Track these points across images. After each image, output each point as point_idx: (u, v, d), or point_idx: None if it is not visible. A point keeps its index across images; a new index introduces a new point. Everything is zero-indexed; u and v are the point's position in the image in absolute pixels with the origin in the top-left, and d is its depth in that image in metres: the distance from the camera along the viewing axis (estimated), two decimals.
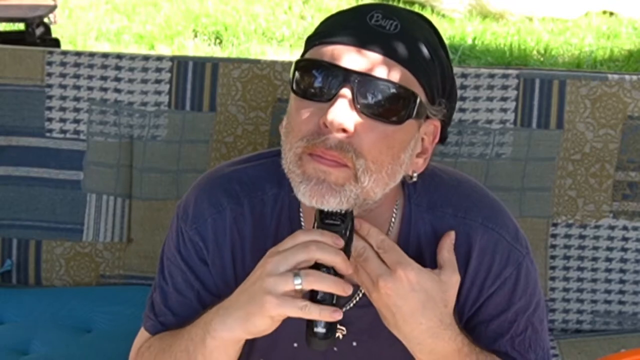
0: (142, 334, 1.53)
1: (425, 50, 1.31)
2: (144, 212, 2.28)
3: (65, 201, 2.28)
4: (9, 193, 2.29)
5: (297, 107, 1.31)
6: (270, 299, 1.26)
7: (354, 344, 1.45)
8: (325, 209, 1.30)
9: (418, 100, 1.30)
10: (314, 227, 1.32)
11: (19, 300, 2.24)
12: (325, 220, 1.30)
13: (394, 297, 1.32)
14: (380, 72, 1.28)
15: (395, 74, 1.29)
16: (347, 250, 1.30)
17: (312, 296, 1.27)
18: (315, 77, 1.29)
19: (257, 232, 1.45)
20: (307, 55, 1.33)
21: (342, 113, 1.26)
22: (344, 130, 1.27)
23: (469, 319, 1.45)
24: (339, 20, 1.34)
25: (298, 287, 1.25)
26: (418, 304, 1.33)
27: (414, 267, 1.33)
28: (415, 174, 1.38)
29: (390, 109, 1.28)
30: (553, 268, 2.24)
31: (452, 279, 1.37)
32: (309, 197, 1.30)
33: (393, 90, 1.28)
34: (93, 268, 2.30)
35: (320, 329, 1.27)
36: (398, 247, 1.36)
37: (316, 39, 1.33)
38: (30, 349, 2.10)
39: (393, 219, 1.43)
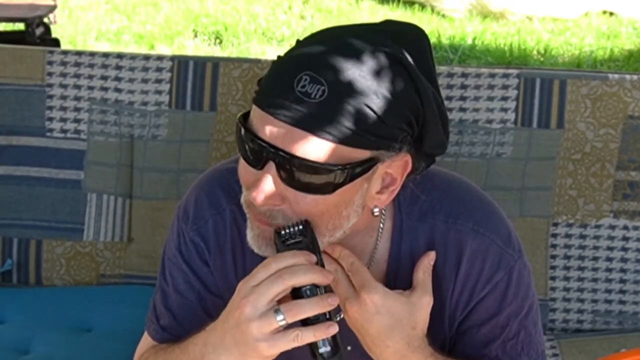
0: (145, 339, 1.53)
1: (353, 113, 1.21)
2: (144, 211, 2.28)
3: (65, 201, 2.28)
4: (9, 193, 2.29)
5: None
6: (261, 344, 1.24)
7: (349, 348, 1.45)
8: (283, 232, 1.29)
9: (347, 170, 1.24)
10: (276, 249, 1.30)
11: (19, 300, 2.24)
12: (287, 243, 1.28)
13: (360, 320, 1.34)
14: (301, 149, 1.22)
15: (317, 150, 1.22)
16: (320, 260, 1.28)
17: (304, 319, 1.25)
18: (246, 143, 1.27)
19: None
20: (250, 113, 1.28)
21: (264, 193, 1.24)
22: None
23: (460, 323, 1.45)
24: (272, 78, 1.26)
25: (282, 324, 1.24)
26: (383, 327, 1.33)
27: (378, 290, 1.33)
28: (376, 209, 1.35)
29: (313, 183, 1.24)
30: (553, 268, 2.24)
31: (422, 301, 1.36)
32: (251, 245, 1.33)
33: (314, 168, 1.22)
34: (93, 268, 2.30)
35: (325, 348, 1.25)
36: (366, 270, 1.35)
37: (256, 94, 1.28)
38: (30, 349, 2.10)
39: (380, 232, 1.41)
